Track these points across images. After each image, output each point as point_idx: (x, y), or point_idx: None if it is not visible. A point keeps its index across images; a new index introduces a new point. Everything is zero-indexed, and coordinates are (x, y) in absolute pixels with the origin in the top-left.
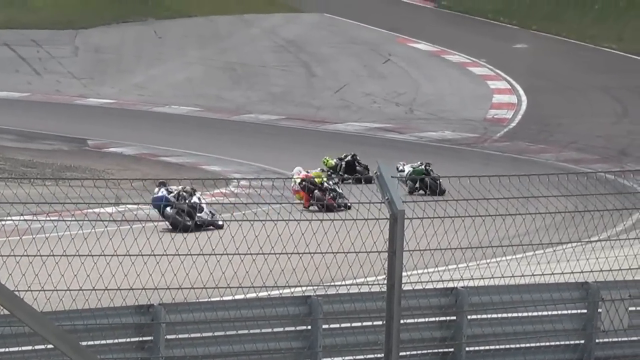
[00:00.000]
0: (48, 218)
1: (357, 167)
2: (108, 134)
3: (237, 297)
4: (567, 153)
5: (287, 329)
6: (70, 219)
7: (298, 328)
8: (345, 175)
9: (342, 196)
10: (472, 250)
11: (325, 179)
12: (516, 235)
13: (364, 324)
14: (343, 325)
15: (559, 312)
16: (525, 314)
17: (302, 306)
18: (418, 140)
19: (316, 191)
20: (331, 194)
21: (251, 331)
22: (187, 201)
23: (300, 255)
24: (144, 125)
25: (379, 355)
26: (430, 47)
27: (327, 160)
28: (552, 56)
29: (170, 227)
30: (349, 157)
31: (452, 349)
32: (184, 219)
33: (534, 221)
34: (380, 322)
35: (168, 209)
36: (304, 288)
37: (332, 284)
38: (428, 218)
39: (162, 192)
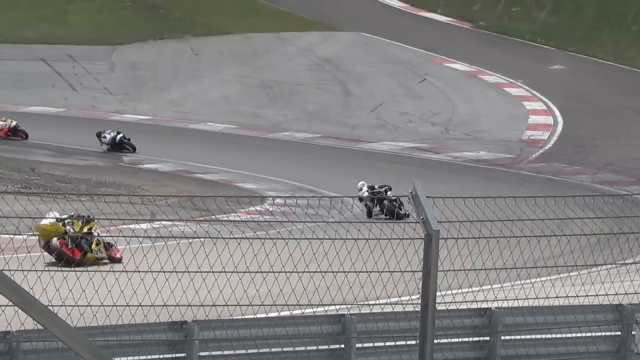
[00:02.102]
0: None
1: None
2: (143, 150)
3: (271, 314)
4: (602, 175)
5: (320, 347)
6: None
7: (331, 347)
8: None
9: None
10: (507, 271)
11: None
12: (551, 257)
13: (398, 343)
14: (377, 344)
15: (593, 334)
16: (559, 336)
17: (335, 325)
18: (453, 160)
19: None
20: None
21: (284, 349)
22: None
23: (335, 273)
24: (179, 142)
25: None
26: (467, 67)
27: None
28: (589, 78)
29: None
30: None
31: None
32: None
33: (568, 243)
34: (413, 342)
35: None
36: (337, 306)
37: (366, 302)
38: (463, 238)
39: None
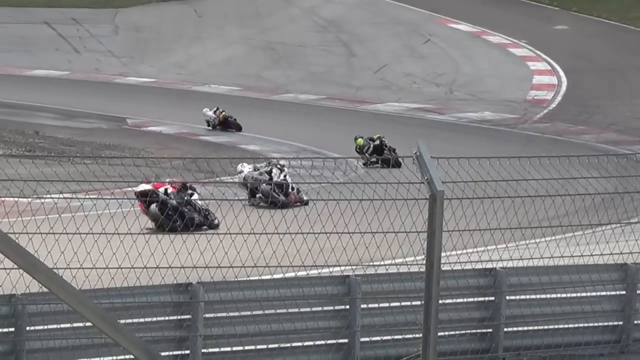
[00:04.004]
0: (87, 196)
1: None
2: (147, 112)
3: (276, 276)
4: (606, 134)
5: (325, 308)
6: (109, 197)
7: (336, 307)
8: (374, 158)
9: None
10: (511, 231)
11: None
12: (555, 217)
13: (403, 304)
14: (381, 305)
15: (598, 294)
16: (563, 295)
17: (340, 286)
18: (457, 120)
19: (263, 185)
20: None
21: (289, 310)
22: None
23: (339, 234)
24: (183, 104)
25: (417, 335)
26: (471, 27)
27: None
28: (593, 38)
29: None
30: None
31: (490, 330)
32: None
33: (573, 202)
34: (418, 302)
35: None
36: (342, 268)
37: (371, 264)
38: (467, 199)
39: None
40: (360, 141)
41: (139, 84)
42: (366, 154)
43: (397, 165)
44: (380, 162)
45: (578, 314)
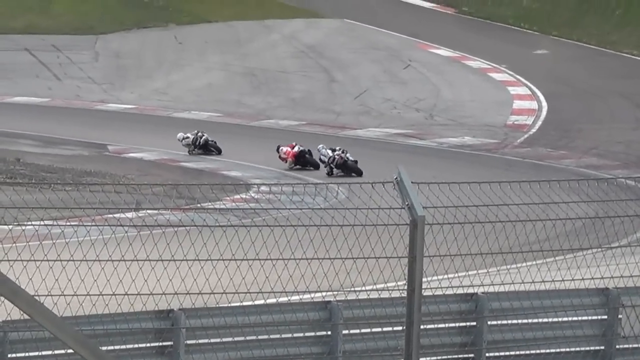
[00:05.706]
0: (68, 223)
1: None
2: (128, 139)
3: (257, 302)
4: (587, 159)
5: (307, 334)
6: (90, 224)
7: (318, 333)
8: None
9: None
10: (492, 256)
11: None
12: (536, 241)
13: (384, 329)
14: (363, 330)
15: (579, 318)
16: (545, 320)
17: (322, 311)
18: (438, 146)
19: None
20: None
21: (271, 336)
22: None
23: (320, 260)
24: (164, 131)
25: None
26: (451, 52)
27: None
28: (573, 62)
29: None
30: None
31: (472, 355)
32: None
33: (554, 227)
34: (400, 328)
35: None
36: (324, 293)
37: (352, 289)
38: (448, 224)
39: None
40: None
41: (119, 111)
42: None
43: None
44: None
45: (559, 338)
